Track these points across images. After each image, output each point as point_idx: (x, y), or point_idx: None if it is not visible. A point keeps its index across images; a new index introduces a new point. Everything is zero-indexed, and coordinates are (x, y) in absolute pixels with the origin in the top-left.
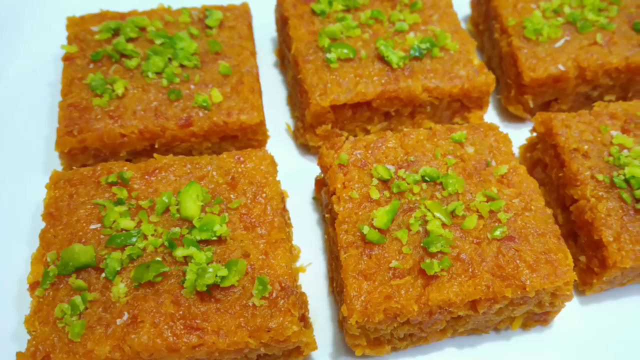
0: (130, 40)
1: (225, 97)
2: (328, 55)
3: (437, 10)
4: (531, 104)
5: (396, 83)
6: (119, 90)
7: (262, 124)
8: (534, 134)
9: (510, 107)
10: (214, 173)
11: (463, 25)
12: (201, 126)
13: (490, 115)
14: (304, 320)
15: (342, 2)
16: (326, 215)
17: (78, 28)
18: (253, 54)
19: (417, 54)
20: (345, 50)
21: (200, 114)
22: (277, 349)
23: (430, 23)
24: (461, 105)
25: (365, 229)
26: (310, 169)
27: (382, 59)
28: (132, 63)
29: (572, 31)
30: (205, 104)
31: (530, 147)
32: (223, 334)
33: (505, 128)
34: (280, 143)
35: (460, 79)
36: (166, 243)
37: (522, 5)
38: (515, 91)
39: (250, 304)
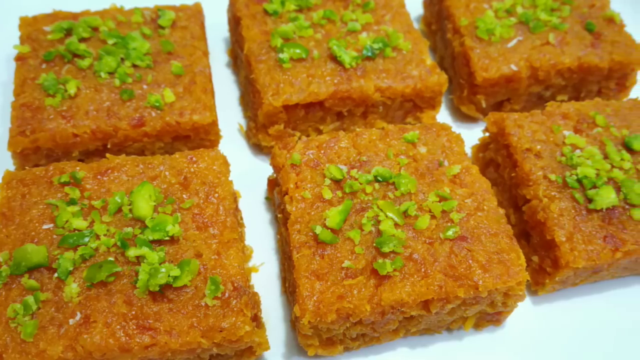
0: (82, 40)
1: (178, 97)
2: (280, 55)
3: (389, 10)
4: (484, 104)
5: (349, 83)
6: (72, 90)
7: (214, 124)
8: (487, 134)
9: (462, 107)
10: (167, 173)
11: (416, 25)
12: (153, 126)
13: (443, 115)
14: (257, 320)
15: (294, 2)
16: (279, 215)
17: (30, 28)
18: (205, 54)
19: (369, 54)
20: (298, 50)
21: (153, 114)
22: (229, 349)
23: (382, 23)
24: (414, 105)
25: (318, 229)
26: (263, 169)
27: (334, 59)
28: (85, 63)
29: (525, 31)
30: (157, 104)
31: (482, 147)
32: (175, 334)
33: (457, 128)
34: (232, 143)
35: (413, 79)
36: (119, 243)
37: (475, 5)
38: (467, 91)
39: (203, 304)
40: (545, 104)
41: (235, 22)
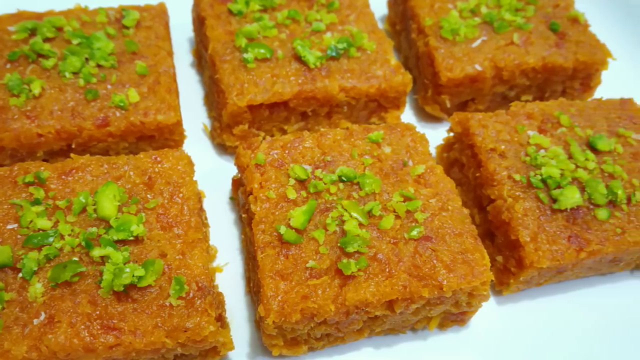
0: (47, 40)
1: (142, 97)
2: (245, 55)
3: (354, 10)
4: (448, 104)
5: (313, 83)
6: (36, 90)
7: (179, 124)
8: (451, 134)
9: (427, 107)
10: (131, 173)
11: (380, 25)
12: (118, 126)
13: (407, 115)
14: (221, 320)
15: (259, 2)
16: (243, 216)
17: None
18: (170, 54)
19: (334, 54)
20: (262, 50)
21: (117, 113)
22: (194, 349)
23: (347, 23)
24: (378, 105)
25: (282, 229)
26: (227, 169)
27: (299, 59)
28: (49, 63)
29: (489, 31)
30: (122, 104)
31: (447, 147)
32: (140, 334)
33: (422, 128)
34: (197, 143)
35: (377, 79)
36: (83, 243)
37: (439, 5)
38: (432, 91)
39: (167, 304)
40: (510, 104)
41: (199, 22)
